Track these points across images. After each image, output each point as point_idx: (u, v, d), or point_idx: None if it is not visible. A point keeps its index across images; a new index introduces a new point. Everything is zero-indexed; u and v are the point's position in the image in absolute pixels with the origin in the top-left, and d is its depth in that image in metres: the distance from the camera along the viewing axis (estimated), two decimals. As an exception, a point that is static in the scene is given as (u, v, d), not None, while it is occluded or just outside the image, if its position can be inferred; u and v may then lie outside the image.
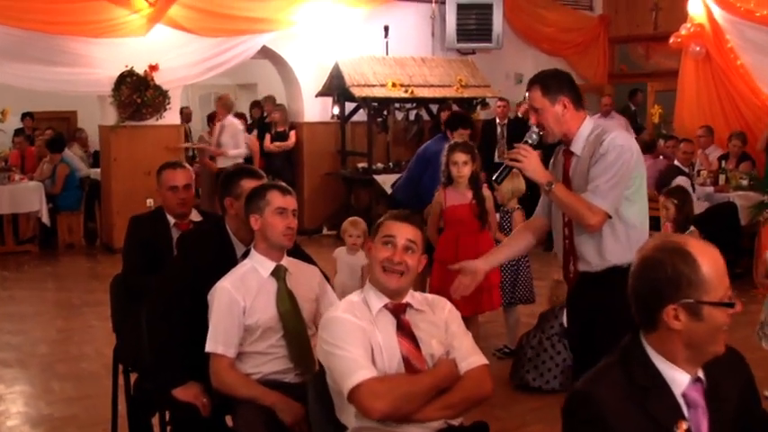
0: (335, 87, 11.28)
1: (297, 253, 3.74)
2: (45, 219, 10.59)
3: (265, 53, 11.48)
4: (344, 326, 2.88)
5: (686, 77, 11.68)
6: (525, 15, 13.06)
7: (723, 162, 10.15)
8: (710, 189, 9.52)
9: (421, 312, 3.05)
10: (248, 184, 3.66)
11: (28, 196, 10.50)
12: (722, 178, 9.70)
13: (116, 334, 4.52)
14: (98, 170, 11.43)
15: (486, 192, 5.76)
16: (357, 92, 10.77)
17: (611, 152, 3.38)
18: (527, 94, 3.60)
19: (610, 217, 3.42)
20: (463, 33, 12.17)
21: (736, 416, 2.22)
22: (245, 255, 3.57)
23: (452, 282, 5.46)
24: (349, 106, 11.55)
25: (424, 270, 3.69)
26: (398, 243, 2.98)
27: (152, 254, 4.30)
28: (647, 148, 9.52)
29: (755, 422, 2.32)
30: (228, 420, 3.53)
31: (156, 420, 3.98)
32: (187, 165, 4.78)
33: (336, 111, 11.66)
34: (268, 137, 11.67)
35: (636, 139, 4.04)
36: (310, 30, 11.27)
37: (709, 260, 2.09)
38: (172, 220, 4.48)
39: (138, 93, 10.13)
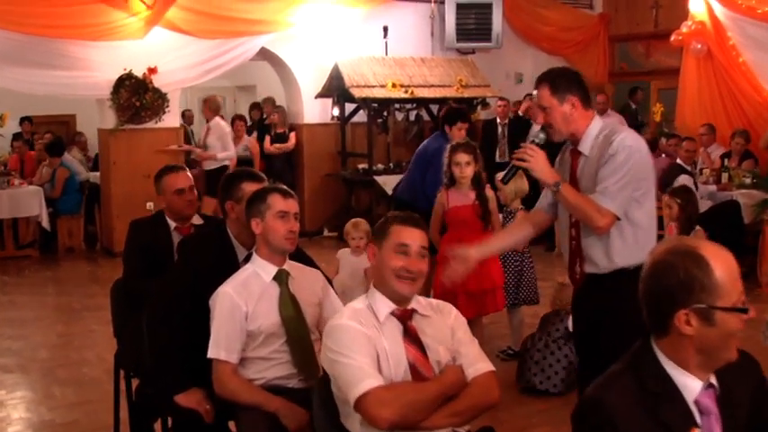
0: (335, 88, 11.24)
1: (299, 256, 3.70)
2: (45, 223, 10.55)
3: (264, 55, 11.45)
4: (349, 333, 2.83)
5: (687, 75, 11.63)
6: (525, 14, 13.02)
7: (726, 160, 10.11)
8: (713, 187, 9.47)
9: (427, 318, 3.00)
10: (249, 188, 3.62)
11: (28, 200, 10.45)
12: (725, 176, 9.65)
13: (117, 339, 4.50)
14: (98, 174, 11.39)
15: (489, 192, 5.71)
16: (357, 93, 10.73)
17: (621, 153, 3.33)
18: (534, 92, 3.55)
19: (618, 219, 3.37)
20: (463, 33, 12.14)
21: (749, 421, 2.18)
22: (247, 259, 3.54)
23: (457, 283, 5.48)
24: (349, 107, 11.52)
25: (428, 272, 3.65)
26: (413, 251, 2.93)
27: (152, 258, 4.27)
28: (649, 146, 9.47)
29: (768, 428, 2.28)
30: (231, 426, 3.50)
31: (158, 426, 3.95)
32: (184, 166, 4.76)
33: (336, 112, 11.63)
34: (268, 139, 11.63)
35: None
36: (309, 31, 11.23)
37: (722, 264, 2.05)
38: (172, 225, 4.44)
39: (136, 96, 10.10)
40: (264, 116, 12.59)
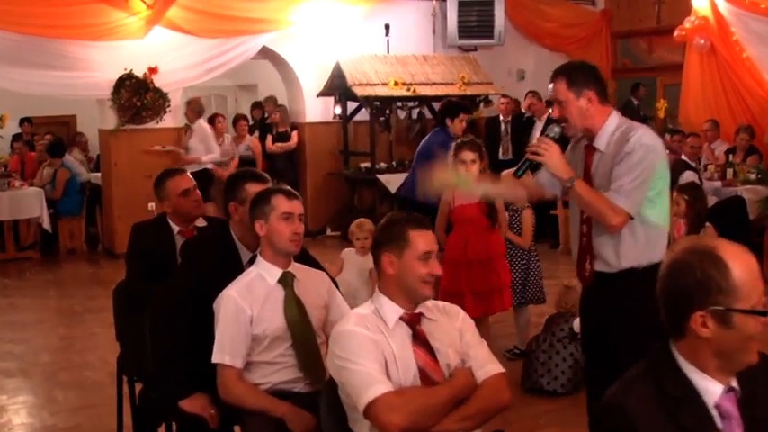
0: (337, 87, 11.19)
1: (304, 258, 3.65)
2: (46, 225, 10.50)
3: (265, 54, 11.39)
4: (357, 339, 2.77)
5: (691, 71, 11.61)
6: (527, 11, 12.98)
7: (730, 156, 10.07)
8: (718, 184, 9.45)
9: (434, 321, 2.95)
10: (253, 189, 3.57)
11: (28, 202, 10.41)
12: (730, 172, 9.63)
13: (120, 342, 4.44)
14: (99, 174, 11.35)
15: (494, 190, 5.65)
16: (359, 91, 10.68)
17: (638, 151, 3.28)
18: (551, 86, 3.47)
19: (632, 218, 3.32)
20: (465, 30, 12.07)
21: None
22: (251, 261, 3.49)
23: (464, 283, 5.46)
24: (351, 106, 11.47)
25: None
26: (433, 255, 2.89)
27: (155, 262, 4.20)
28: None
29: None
30: (237, 431, 3.45)
31: (162, 430, 3.89)
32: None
33: (338, 110, 11.58)
34: (270, 138, 11.58)
35: None
36: (310, 29, 11.17)
37: (741, 265, 2.00)
38: (176, 228, 4.37)
39: (137, 96, 10.05)
40: (266, 115, 12.53)
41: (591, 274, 3.53)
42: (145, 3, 9.81)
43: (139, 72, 10.08)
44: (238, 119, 11.81)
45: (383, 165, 11.23)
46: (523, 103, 11.54)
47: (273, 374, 3.33)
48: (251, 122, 12.87)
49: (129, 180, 10.30)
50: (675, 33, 11.35)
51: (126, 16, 9.87)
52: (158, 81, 10.20)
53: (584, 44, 13.38)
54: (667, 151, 10.05)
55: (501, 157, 10.83)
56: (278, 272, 3.35)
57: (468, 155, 5.47)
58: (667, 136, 10.64)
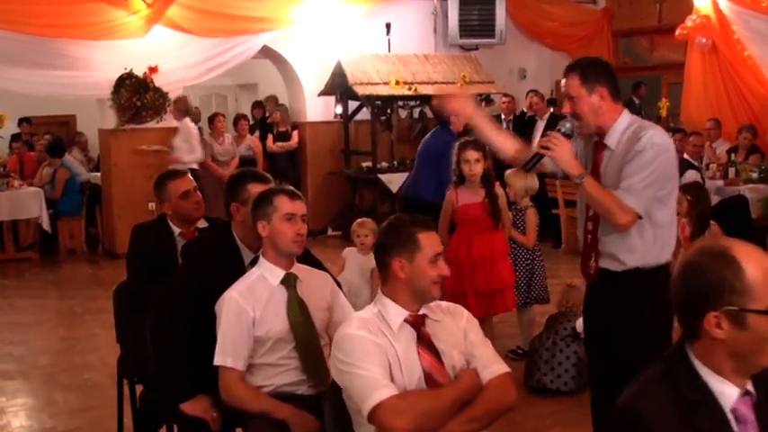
0: (338, 86, 11.16)
1: (307, 258, 3.60)
2: (45, 225, 10.45)
3: (266, 53, 11.36)
4: (360, 343, 2.72)
5: (692, 70, 11.58)
6: (528, 10, 12.95)
7: (732, 155, 10.04)
8: (720, 182, 9.42)
9: (438, 322, 2.90)
10: (255, 189, 3.53)
11: (28, 202, 10.36)
12: (732, 171, 9.60)
13: (120, 344, 4.41)
14: (99, 174, 11.31)
15: (498, 190, 5.62)
16: (360, 90, 10.64)
17: (649, 150, 3.24)
18: (563, 81, 3.44)
19: (640, 218, 3.28)
20: (466, 29, 12.03)
21: None
22: (254, 262, 3.45)
23: (467, 283, 5.42)
24: (352, 105, 11.44)
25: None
26: (441, 256, 2.87)
27: (155, 263, 4.16)
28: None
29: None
30: (239, 433, 3.41)
31: (163, 433, 3.86)
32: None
33: (339, 110, 11.54)
34: (270, 137, 11.55)
35: None
36: (311, 28, 11.14)
37: (755, 266, 1.96)
38: (176, 230, 4.32)
39: (137, 95, 10.01)
40: (267, 115, 12.50)
41: (596, 271, 3.50)
42: (145, 2, 9.79)
43: (139, 71, 10.04)
44: (239, 118, 11.75)
45: (384, 164, 11.20)
46: (525, 102, 11.51)
47: (276, 377, 3.29)
48: (251, 122, 12.83)
49: (129, 180, 10.26)
50: (677, 32, 11.31)
51: (126, 15, 9.84)
52: (158, 80, 10.16)
53: (585, 43, 13.34)
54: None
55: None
56: (280, 273, 3.31)
57: (472, 154, 5.44)
58: (670, 135, 10.63)
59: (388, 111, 11.34)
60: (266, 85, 14.55)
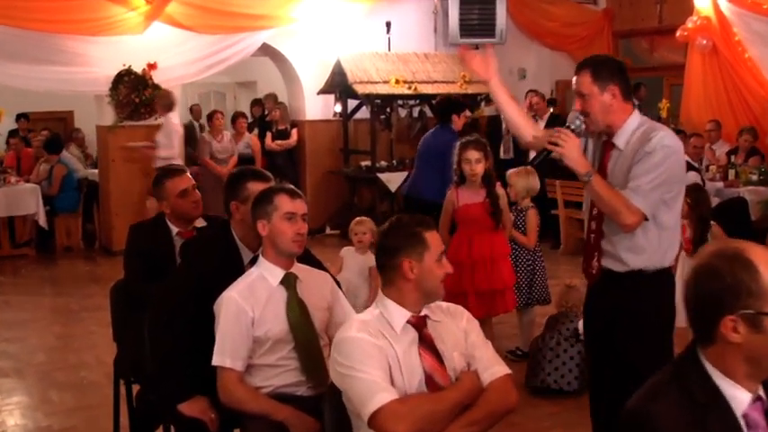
0: (337, 84, 11.12)
1: (306, 258, 3.56)
2: (42, 221, 10.41)
3: (265, 50, 11.32)
4: (360, 346, 2.68)
5: (693, 71, 11.56)
6: (529, 10, 12.92)
7: (732, 157, 10.03)
8: (720, 184, 9.42)
9: (439, 323, 2.87)
10: (254, 187, 3.49)
11: (24, 198, 10.31)
12: (732, 173, 9.59)
13: (117, 343, 4.37)
14: (96, 171, 11.26)
15: (499, 190, 5.59)
16: (360, 89, 10.60)
17: (659, 152, 3.21)
18: (574, 78, 3.40)
19: (646, 219, 3.25)
20: (466, 29, 11.98)
21: None
22: (253, 261, 3.41)
23: (467, 283, 5.39)
24: (351, 103, 11.40)
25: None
26: (444, 254, 2.88)
27: (153, 262, 4.11)
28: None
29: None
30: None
31: (160, 433, 3.82)
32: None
33: (339, 108, 11.51)
34: (269, 135, 11.51)
35: None
36: (311, 26, 11.11)
37: None
38: (174, 229, 4.26)
39: (136, 92, 9.97)
40: (266, 113, 12.45)
41: (598, 271, 3.47)
42: (144, -2, 9.75)
43: (138, 68, 10.00)
44: (237, 116, 11.69)
45: (383, 163, 11.17)
46: (524, 102, 11.46)
47: (275, 377, 3.26)
48: (250, 120, 12.79)
49: (126, 177, 10.21)
50: (678, 33, 11.29)
51: (125, 11, 9.79)
52: (157, 77, 10.11)
53: (585, 43, 13.31)
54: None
55: (502, 156, 10.75)
56: (280, 273, 3.27)
57: (474, 154, 5.41)
58: (671, 136, 10.61)
59: (388, 110, 11.32)
60: (265, 83, 14.51)
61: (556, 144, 3.27)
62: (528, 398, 5.32)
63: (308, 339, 3.28)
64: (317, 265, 3.65)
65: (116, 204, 10.28)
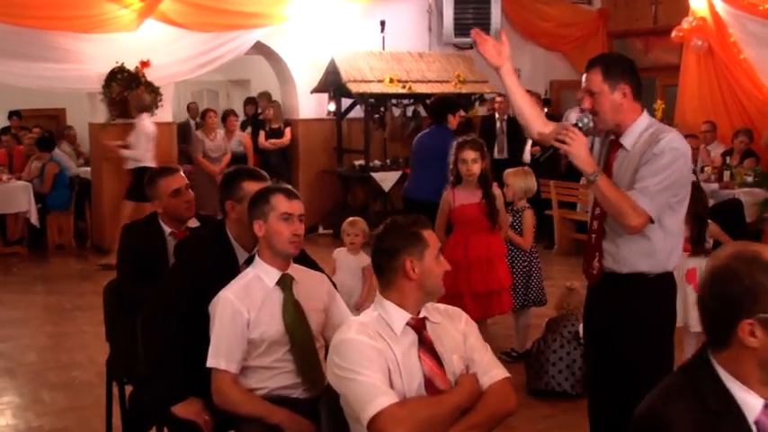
0: (331, 83, 11.08)
1: (302, 259, 3.53)
2: (34, 219, 10.34)
3: (259, 49, 11.26)
4: (359, 348, 2.65)
5: (688, 72, 11.55)
6: (524, 10, 12.90)
7: (727, 158, 10.02)
8: (715, 185, 9.40)
9: (438, 325, 2.84)
10: (250, 186, 3.46)
11: (16, 196, 10.25)
12: (727, 174, 9.57)
13: (109, 343, 4.32)
14: (88, 169, 11.19)
15: (496, 190, 5.56)
16: (354, 88, 10.56)
17: (667, 154, 3.17)
18: (585, 76, 3.35)
19: (652, 221, 3.21)
20: (460, 28, 11.92)
21: None
22: (249, 262, 3.37)
23: (463, 284, 5.35)
24: (345, 102, 11.37)
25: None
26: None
27: (146, 263, 4.06)
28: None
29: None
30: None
31: (153, 434, 3.78)
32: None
33: (332, 107, 11.46)
34: (263, 134, 11.46)
35: None
36: (305, 25, 11.06)
37: None
38: (167, 230, 4.21)
39: (129, 89, 9.89)
40: (259, 111, 12.41)
41: (599, 272, 3.42)
42: (137, -5, 9.68)
43: (131, 65, 9.93)
44: (228, 114, 11.61)
45: (377, 162, 11.14)
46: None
47: (270, 379, 3.22)
48: (244, 118, 12.74)
49: (118, 175, 10.12)
50: (673, 34, 11.28)
51: (118, 8, 9.72)
52: (150, 75, 10.05)
53: (580, 43, 13.33)
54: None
55: (496, 155, 10.70)
56: (276, 274, 3.24)
57: (470, 154, 5.38)
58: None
59: (382, 109, 11.27)
60: (259, 82, 14.48)
61: (563, 142, 3.23)
62: (523, 399, 5.28)
63: (304, 341, 3.24)
64: (313, 265, 3.61)
65: (108, 202, 10.21)
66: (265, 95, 12.60)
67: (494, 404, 2.75)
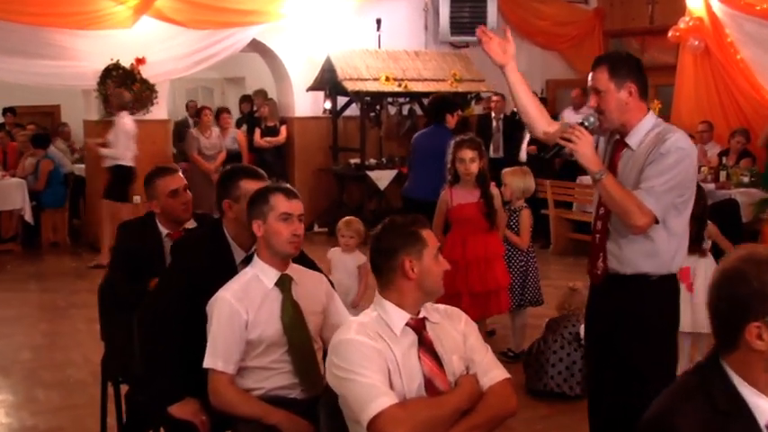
0: (327, 81, 11.06)
1: (301, 259, 3.50)
2: (28, 216, 10.31)
3: (255, 46, 11.24)
4: (359, 349, 2.62)
5: (684, 72, 11.53)
6: (520, 8, 12.88)
7: (723, 158, 10.02)
8: (712, 186, 9.38)
9: (438, 325, 2.82)
10: (248, 185, 3.42)
11: (10, 193, 10.21)
12: (723, 175, 9.57)
13: (104, 342, 4.29)
14: (83, 166, 11.15)
15: (494, 190, 5.54)
16: (350, 86, 10.54)
17: (673, 154, 3.15)
18: (591, 74, 3.33)
19: (657, 222, 3.19)
20: (457, 26, 11.94)
21: None
22: (246, 261, 3.34)
23: (461, 284, 5.33)
24: (341, 101, 11.34)
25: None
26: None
27: (141, 263, 4.01)
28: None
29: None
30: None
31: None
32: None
33: (328, 105, 11.45)
34: (258, 132, 11.42)
35: None
36: (301, 22, 11.04)
37: None
38: (164, 231, 4.16)
39: (124, 87, 9.85)
40: (255, 109, 12.37)
41: (603, 272, 3.40)
42: (133, -8, 9.65)
43: (126, 62, 9.92)
44: (221, 112, 11.53)
45: (373, 161, 11.12)
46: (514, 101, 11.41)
47: (268, 380, 3.20)
48: (239, 116, 12.69)
49: (114, 172, 10.08)
50: (670, 34, 11.27)
51: (113, 5, 9.70)
52: (146, 72, 10.04)
53: (576, 42, 13.32)
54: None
55: (492, 154, 10.69)
56: (275, 274, 3.21)
57: (468, 153, 5.36)
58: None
59: (378, 107, 11.28)
60: (254, 79, 14.43)
61: (569, 140, 3.21)
62: (521, 400, 5.23)
63: (302, 342, 3.22)
64: (312, 265, 3.58)
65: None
66: (261, 93, 12.56)
67: (494, 405, 2.74)
